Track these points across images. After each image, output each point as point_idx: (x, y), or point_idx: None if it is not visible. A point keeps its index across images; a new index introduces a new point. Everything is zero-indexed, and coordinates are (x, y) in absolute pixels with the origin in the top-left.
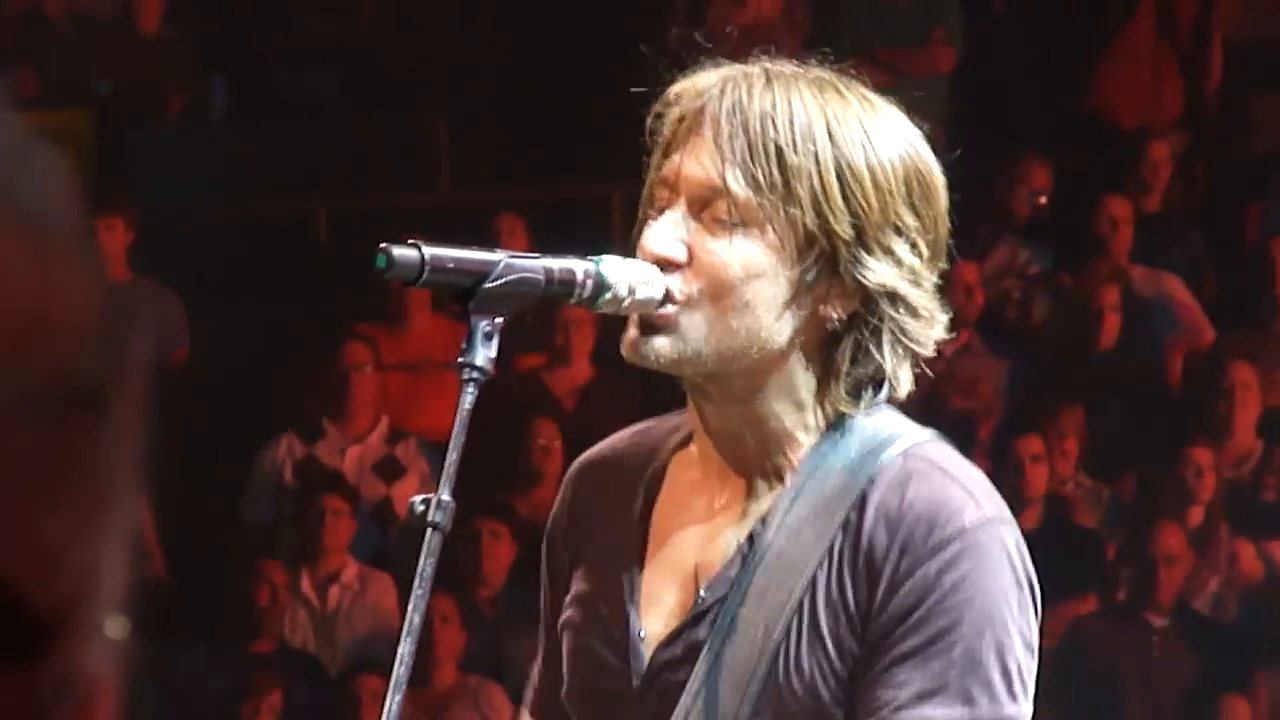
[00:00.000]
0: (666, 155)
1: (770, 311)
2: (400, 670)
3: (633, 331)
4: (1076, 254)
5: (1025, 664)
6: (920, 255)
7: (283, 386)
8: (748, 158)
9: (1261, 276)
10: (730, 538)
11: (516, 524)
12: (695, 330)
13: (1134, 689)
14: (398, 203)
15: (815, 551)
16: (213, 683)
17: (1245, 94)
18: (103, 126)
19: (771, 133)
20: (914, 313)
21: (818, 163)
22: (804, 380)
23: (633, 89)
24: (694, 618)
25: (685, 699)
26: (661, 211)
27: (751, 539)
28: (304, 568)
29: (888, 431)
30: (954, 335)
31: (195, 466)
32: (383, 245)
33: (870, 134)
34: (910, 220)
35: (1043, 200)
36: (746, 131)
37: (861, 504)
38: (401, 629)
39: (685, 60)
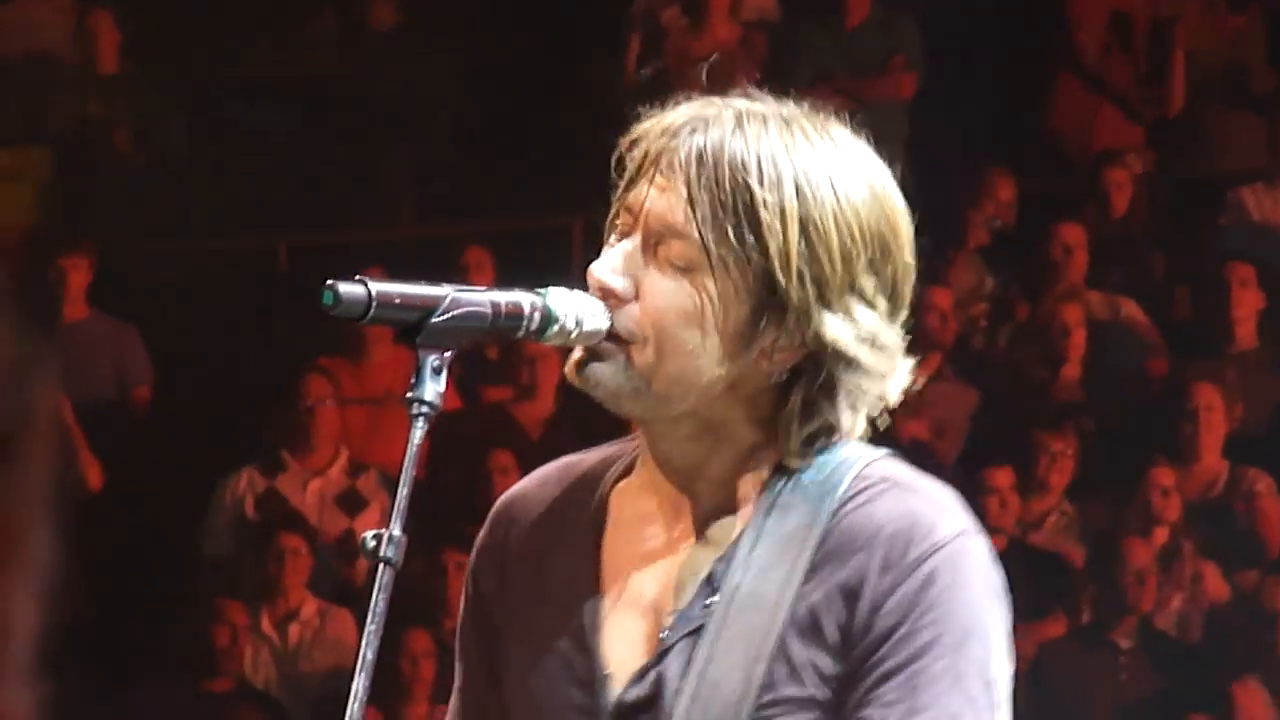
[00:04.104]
0: (632, 185)
1: (710, 359)
2: (355, 706)
3: (578, 353)
4: (1033, 280)
5: (1004, 673)
6: (878, 312)
7: (243, 421)
8: (717, 206)
9: (1219, 298)
10: (689, 573)
11: None
12: (636, 368)
13: (1101, 711)
14: (359, 237)
15: (787, 590)
16: None
17: (1207, 112)
18: (62, 164)
19: (740, 185)
20: (865, 371)
21: (784, 220)
22: (751, 427)
23: (607, 129)
24: (659, 655)
25: None
26: (622, 237)
27: (712, 577)
28: (264, 606)
29: (840, 457)
30: (923, 365)
31: (155, 501)
32: (329, 282)
33: (838, 189)
34: (869, 283)
35: (999, 223)
36: (715, 179)
37: (827, 533)
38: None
39: (647, 89)
